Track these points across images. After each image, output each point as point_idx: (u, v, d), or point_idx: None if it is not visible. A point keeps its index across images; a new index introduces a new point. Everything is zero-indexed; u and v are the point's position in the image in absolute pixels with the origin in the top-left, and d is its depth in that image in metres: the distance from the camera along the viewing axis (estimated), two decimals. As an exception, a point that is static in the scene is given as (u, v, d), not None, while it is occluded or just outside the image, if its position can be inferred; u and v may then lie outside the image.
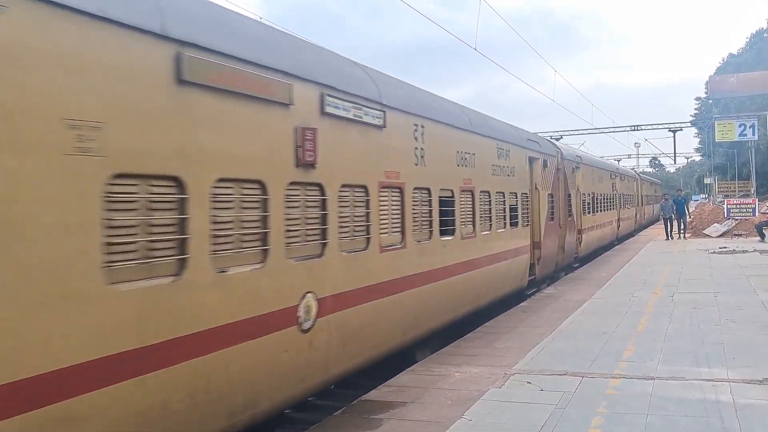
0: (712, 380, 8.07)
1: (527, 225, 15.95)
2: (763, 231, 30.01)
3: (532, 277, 16.63)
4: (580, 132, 61.99)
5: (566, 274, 20.24)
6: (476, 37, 18.86)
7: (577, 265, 22.31)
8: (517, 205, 15.05)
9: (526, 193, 16.01)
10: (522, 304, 14.69)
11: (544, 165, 17.60)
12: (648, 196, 51.79)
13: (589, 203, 24.56)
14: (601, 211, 27.56)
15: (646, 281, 17.34)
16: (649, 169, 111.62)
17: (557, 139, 43.66)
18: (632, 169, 58.32)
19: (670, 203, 34.37)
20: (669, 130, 58.88)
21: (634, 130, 63.09)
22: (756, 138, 48.49)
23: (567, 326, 11.73)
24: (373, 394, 8.09)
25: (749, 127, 46.88)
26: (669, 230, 33.62)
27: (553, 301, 14.81)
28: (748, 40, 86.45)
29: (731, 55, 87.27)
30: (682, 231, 33.86)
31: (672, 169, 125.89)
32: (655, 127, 62.85)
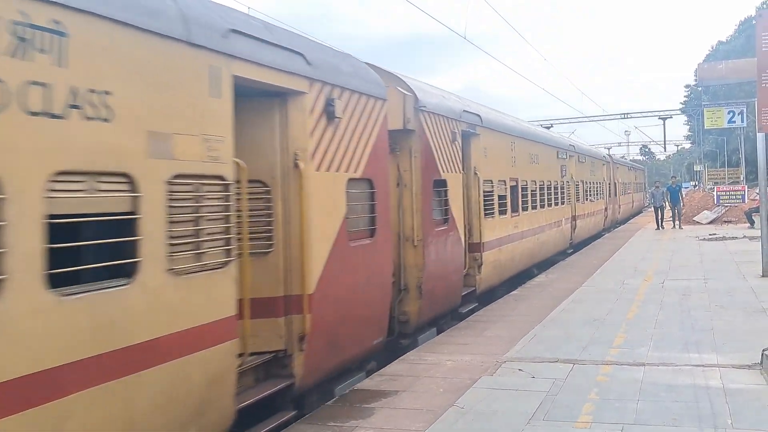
0: (702, 366, 8.14)
1: (221, 266, 5.84)
2: (753, 217, 30.19)
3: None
4: (571, 120, 62.06)
5: (422, 337, 10.67)
6: (465, 26, 18.80)
7: (473, 306, 12.99)
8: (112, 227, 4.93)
9: (223, 178, 5.96)
10: (513, 292, 14.72)
11: (329, 112, 7.70)
12: (626, 185, 44.61)
13: (502, 196, 15.06)
14: (534, 207, 17.87)
15: (636, 268, 17.41)
16: (640, 157, 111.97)
17: (547, 128, 42.59)
18: (622, 156, 58.24)
19: (661, 191, 33.11)
20: (659, 118, 59.08)
21: (624, 118, 63.33)
22: (745, 125, 48.52)
23: (558, 314, 11.78)
24: (366, 383, 8.12)
25: (738, 114, 46.91)
26: (660, 220, 31.92)
27: (543, 289, 14.85)
28: (736, 27, 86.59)
29: (720, 43, 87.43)
30: (676, 220, 32.15)
31: (662, 157, 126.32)
32: (644, 114, 63.03)
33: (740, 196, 36.30)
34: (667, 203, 32.75)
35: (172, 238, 5.33)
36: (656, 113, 60.10)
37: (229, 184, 6.05)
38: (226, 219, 6.00)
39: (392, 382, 8.07)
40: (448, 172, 11.93)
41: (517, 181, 16.42)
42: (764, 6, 66.00)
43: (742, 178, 52.48)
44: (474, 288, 13.18)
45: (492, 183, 14.42)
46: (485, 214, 13.66)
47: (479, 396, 7.33)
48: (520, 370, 8.30)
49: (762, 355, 7.98)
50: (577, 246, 24.51)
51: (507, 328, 10.86)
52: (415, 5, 16.11)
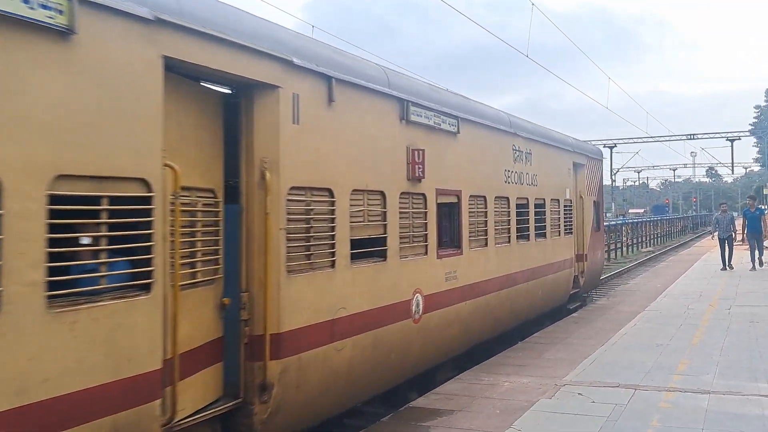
0: (772, 396, 7.82)
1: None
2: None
3: None
4: (635, 140, 60.82)
5: None
6: (528, 43, 18.47)
7: None
8: None
9: None
10: (573, 314, 14.47)
11: None
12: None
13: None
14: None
15: (701, 293, 16.89)
16: (706, 180, 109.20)
17: (611, 148, 41.97)
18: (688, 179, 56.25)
19: (729, 217, 23.59)
20: (726, 140, 57.37)
21: (690, 139, 61.60)
22: (819, 147, 46.91)
23: (619, 338, 11.51)
24: (420, 402, 8.07)
25: (812, 136, 45.39)
26: (728, 256, 22.52)
27: (605, 312, 14.55)
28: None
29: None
30: (756, 256, 22.40)
31: (730, 180, 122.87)
32: (712, 136, 61.18)
33: (813, 222, 34.87)
34: (737, 233, 23.73)
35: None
36: (724, 134, 58.39)
37: None
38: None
39: (447, 401, 8.00)
40: None
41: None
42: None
43: (814, 203, 50.48)
44: None
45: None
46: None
47: (537, 419, 7.21)
48: (579, 394, 8.13)
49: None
50: None
51: (567, 350, 10.66)
52: (477, 23, 16.12)
